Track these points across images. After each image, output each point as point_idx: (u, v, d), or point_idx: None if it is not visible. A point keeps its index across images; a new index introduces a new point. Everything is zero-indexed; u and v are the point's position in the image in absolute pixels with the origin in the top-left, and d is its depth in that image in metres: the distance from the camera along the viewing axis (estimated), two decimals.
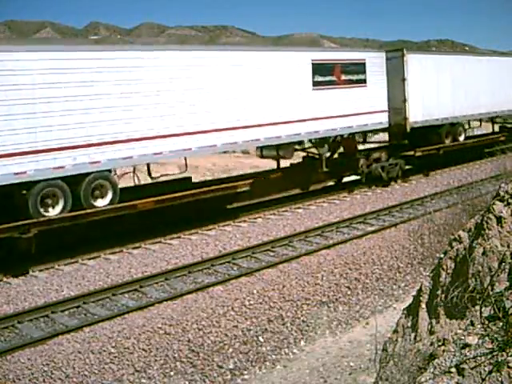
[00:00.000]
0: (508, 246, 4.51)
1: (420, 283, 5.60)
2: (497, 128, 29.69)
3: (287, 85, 17.53)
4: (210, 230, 15.92)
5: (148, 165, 15.18)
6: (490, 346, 3.24)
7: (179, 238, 15.25)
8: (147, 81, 14.19)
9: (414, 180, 22.12)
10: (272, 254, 13.69)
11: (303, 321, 11.17)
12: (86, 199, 13.19)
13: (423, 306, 5.21)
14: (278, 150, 18.29)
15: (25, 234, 12.39)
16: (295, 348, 10.46)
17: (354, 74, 19.70)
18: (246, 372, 9.66)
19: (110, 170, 13.84)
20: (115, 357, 9.20)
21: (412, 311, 5.45)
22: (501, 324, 3.35)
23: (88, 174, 13.16)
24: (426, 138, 22.69)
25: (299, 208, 18.18)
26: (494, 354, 3.14)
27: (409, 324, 5.36)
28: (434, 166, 23.09)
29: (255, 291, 11.54)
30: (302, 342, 10.63)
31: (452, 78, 23.21)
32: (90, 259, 13.64)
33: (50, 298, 11.24)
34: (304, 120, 17.85)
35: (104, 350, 9.27)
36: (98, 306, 10.89)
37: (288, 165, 20.47)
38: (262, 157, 19.66)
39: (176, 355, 9.56)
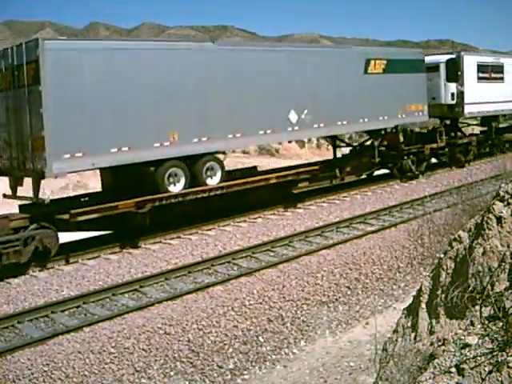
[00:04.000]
0: (508, 246, 4.51)
1: (420, 283, 5.60)
2: None
3: None
4: (210, 230, 15.93)
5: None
6: (490, 346, 3.24)
7: (179, 238, 15.26)
8: None
9: (414, 180, 22.14)
10: (272, 253, 13.68)
11: (303, 321, 11.17)
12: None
13: (423, 306, 5.20)
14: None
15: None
16: (295, 348, 10.46)
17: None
18: (246, 372, 9.66)
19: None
20: (115, 357, 9.20)
21: (412, 311, 5.45)
22: (501, 324, 3.35)
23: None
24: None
25: (299, 208, 18.19)
26: (494, 354, 3.14)
27: (409, 324, 5.36)
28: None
29: (255, 291, 11.54)
30: (302, 342, 10.63)
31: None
32: (89, 259, 13.66)
33: (50, 297, 11.24)
34: None
35: (104, 350, 9.27)
36: (98, 305, 10.89)
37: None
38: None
39: (176, 355, 9.56)
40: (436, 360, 3.47)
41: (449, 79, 23.66)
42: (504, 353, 3.11)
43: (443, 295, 4.89)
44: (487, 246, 4.58)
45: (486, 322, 3.48)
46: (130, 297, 11.33)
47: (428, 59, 23.64)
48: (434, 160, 24.52)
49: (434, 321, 4.88)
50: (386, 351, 5.36)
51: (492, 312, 3.53)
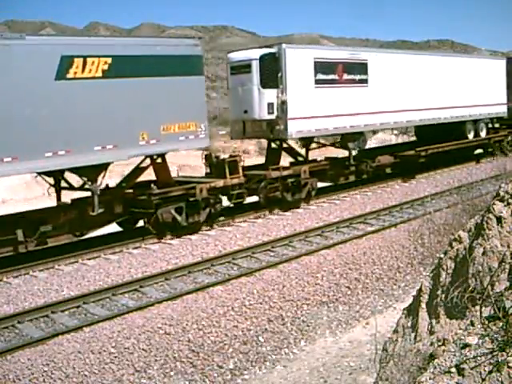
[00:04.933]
0: (508, 246, 4.51)
1: (420, 283, 5.60)
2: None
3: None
4: (210, 229, 15.93)
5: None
6: (490, 346, 3.24)
7: (179, 237, 15.25)
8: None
9: (414, 180, 22.14)
10: (272, 253, 13.69)
11: (303, 321, 11.17)
12: None
13: (423, 306, 5.21)
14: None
15: None
16: (295, 348, 10.45)
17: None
18: (246, 372, 9.66)
19: None
20: (115, 357, 9.20)
21: (412, 311, 5.45)
22: (501, 324, 3.35)
23: None
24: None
25: (299, 208, 18.18)
26: (494, 354, 3.14)
27: (409, 324, 5.36)
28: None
29: (255, 291, 11.54)
30: (302, 342, 10.63)
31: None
32: (89, 259, 13.65)
33: (50, 297, 11.24)
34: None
35: (104, 350, 9.27)
36: (98, 305, 10.90)
37: None
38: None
39: (176, 355, 9.56)
40: (436, 360, 3.47)
41: (264, 84, 16.83)
42: (504, 353, 3.11)
43: (443, 295, 4.89)
44: (487, 245, 4.58)
45: (486, 322, 3.48)
46: (130, 297, 11.33)
47: (237, 56, 17.69)
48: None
49: (434, 321, 4.88)
50: (386, 351, 5.35)
51: (492, 312, 3.53)
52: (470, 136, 25.18)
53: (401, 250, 14.20)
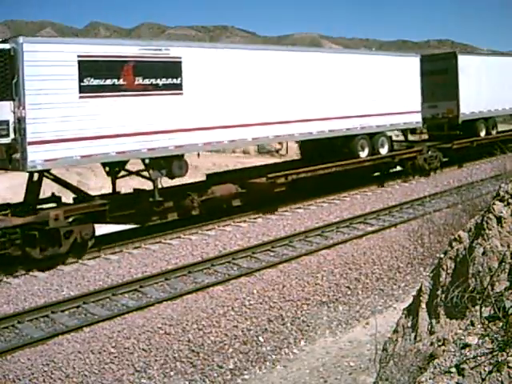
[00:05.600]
0: (508, 246, 4.51)
1: (420, 283, 5.60)
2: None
3: None
4: (210, 230, 15.93)
5: None
6: (490, 346, 3.24)
7: (179, 238, 15.26)
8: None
9: (414, 180, 22.14)
10: (272, 253, 13.69)
11: (303, 321, 11.17)
12: None
13: (423, 306, 5.20)
14: None
15: None
16: (295, 348, 10.45)
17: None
18: (246, 372, 9.66)
19: None
20: (115, 357, 9.20)
21: (412, 311, 5.45)
22: (501, 324, 3.35)
23: None
24: None
25: (299, 208, 18.19)
26: (494, 354, 3.14)
27: (409, 324, 5.36)
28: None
29: (255, 291, 11.55)
30: (302, 342, 10.63)
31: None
32: (89, 259, 13.65)
33: (50, 297, 11.25)
34: None
35: (104, 350, 9.27)
36: (98, 306, 10.90)
37: None
38: None
39: (176, 355, 9.56)
40: (436, 360, 3.47)
41: None
42: (504, 353, 3.11)
43: (443, 295, 4.89)
44: (487, 245, 4.58)
45: (486, 322, 3.48)
46: (130, 297, 11.34)
47: None
48: None
49: (434, 321, 4.87)
50: (386, 351, 5.35)
51: (492, 312, 3.53)
52: (363, 154, 20.15)
53: (401, 250, 14.20)
